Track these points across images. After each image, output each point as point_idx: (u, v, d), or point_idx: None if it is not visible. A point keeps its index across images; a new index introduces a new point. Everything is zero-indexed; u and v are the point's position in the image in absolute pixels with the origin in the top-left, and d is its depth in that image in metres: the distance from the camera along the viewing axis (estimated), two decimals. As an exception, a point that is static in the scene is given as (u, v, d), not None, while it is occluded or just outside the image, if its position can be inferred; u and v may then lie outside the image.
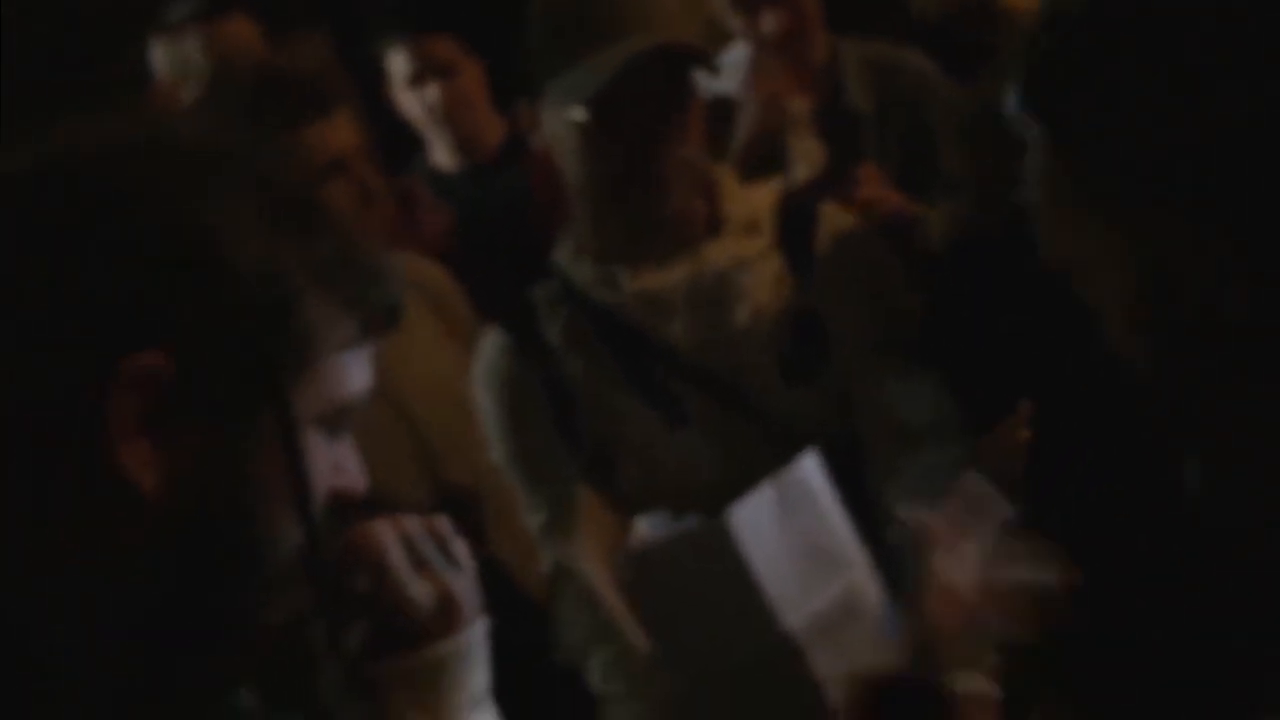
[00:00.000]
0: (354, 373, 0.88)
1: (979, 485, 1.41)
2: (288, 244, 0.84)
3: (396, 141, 2.69)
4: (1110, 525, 1.70)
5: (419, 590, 0.93)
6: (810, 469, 1.52)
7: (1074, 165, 0.95)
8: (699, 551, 1.47)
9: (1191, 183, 0.90)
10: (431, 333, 2.14)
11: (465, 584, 0.96)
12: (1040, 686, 1.59)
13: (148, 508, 0.80)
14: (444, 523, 0.98)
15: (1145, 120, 0.91)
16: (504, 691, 1.05)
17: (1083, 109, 0.94)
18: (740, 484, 1.53)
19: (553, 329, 1.72)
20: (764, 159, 2.25)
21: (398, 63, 2.64)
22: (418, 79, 2.62)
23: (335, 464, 0.89)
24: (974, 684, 1.55)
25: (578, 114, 1.61)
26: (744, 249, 1.69)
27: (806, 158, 2.29)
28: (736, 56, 2.42)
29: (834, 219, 1.75)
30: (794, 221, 1.73)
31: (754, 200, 1.74)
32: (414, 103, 2.65)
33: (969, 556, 1.31)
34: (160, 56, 2.46)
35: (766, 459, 1.56)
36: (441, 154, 2.69)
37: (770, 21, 2.34)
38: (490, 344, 1.77)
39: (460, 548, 0.98)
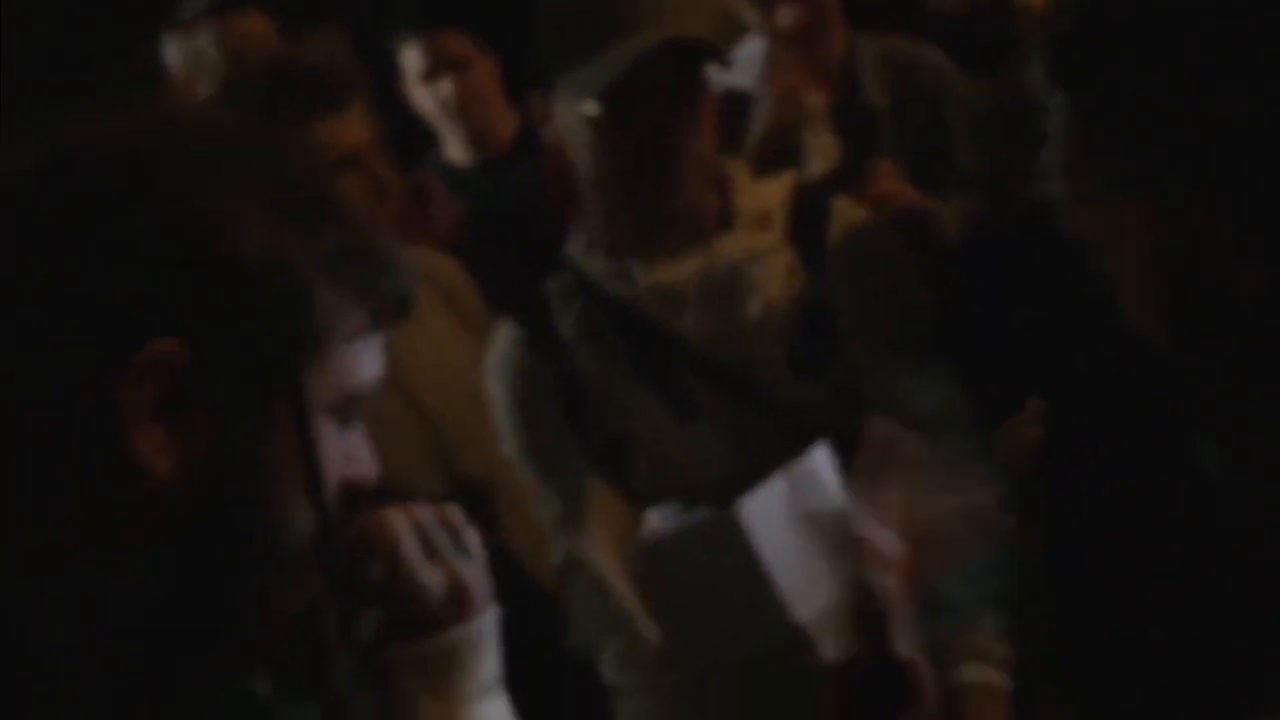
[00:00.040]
0: (365, 362, 0.89)
1: (885, 428, 1.40)
2: (296, 234, 0.85)
3: (411, 136, 2.70)
4: (1120, 521, 1.70)
5: (431, 578, 0.94)
6: (820, 461, 1.52)
7: (1094, 140, 0.95)
8: (709, 543, 1.47)
9: (1209, 162, 0.90)
10: (445, 325, 2.15)
11: (477, 572, 0.97)
12: (1045, 683, 1.60)
13: (162, 495, 0.81)
14: (455, 512, 0.98)
15: (1165, 97, 0.91)
16: (517, 682, 1.05)
17: (1104, 83, 0.94)
18: (751, 477, 1.54)
19: (565, 322, 1.73)
20: (780, 153, 2.25)
21: (411, 58, 2.65)
22: (431, 74, 2.63)
23: (347, 453, 0.89)
24: (983, 675, 1.55)
25: (589, 108, 1.61)
26: (755, 242, 1.69)
27: (822, 153, 2.29)
28: (753, 50, 2.42)
29: (846, 213, 1.75)
30: (806, 215, 1.73)
31: (766, 194, 1.74)
32: (427, 97, 2.66)
33: (890, 506, 1.30)
34: (174, 52, 2.47)
35: (777, 452, 1.56)
36: (454, 148, 2.70)
37: (787, 15, 2.34)
38: (502, 336, 1.77)
39: (472, 537, 0.98)
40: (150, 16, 2.46)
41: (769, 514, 1.46)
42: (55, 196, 0.82)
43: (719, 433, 1.67)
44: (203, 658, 0.86)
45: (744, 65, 2.39)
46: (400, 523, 0.95)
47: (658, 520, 1.55)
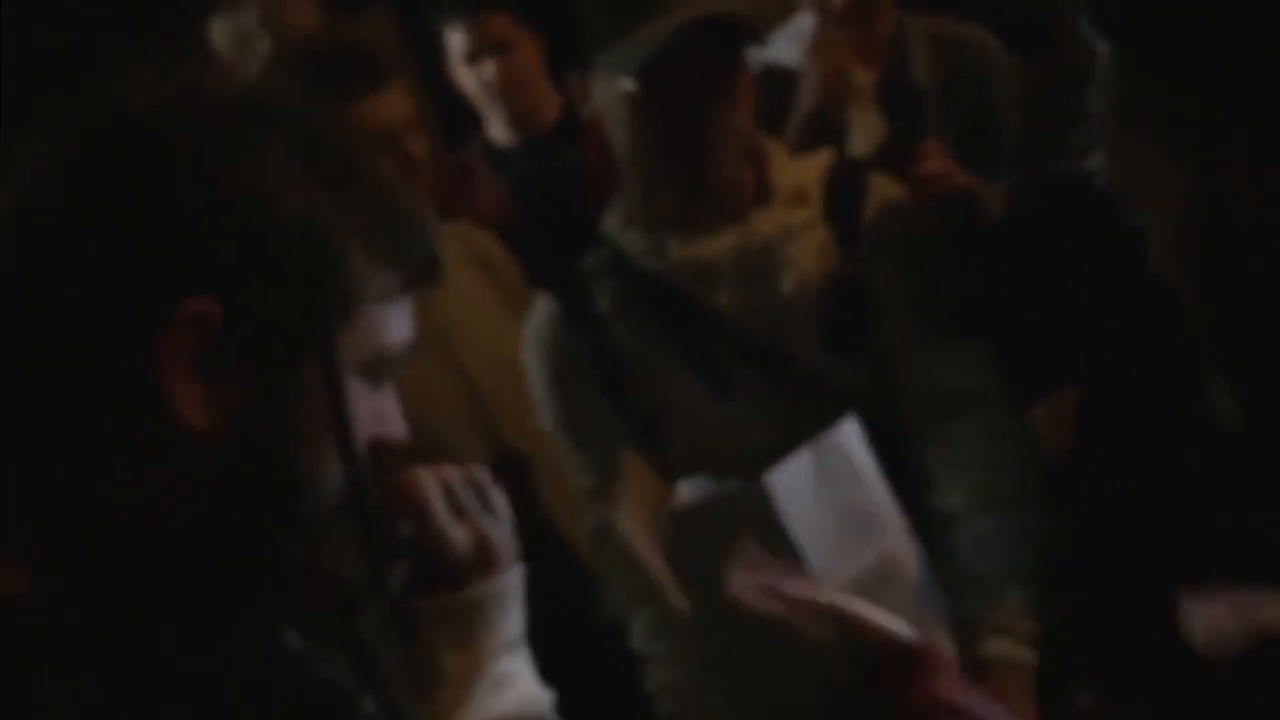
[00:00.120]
0: (395, 323, 0.91)
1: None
2: (330, 197, 0.87)
3: (460, 116, 2.73)
4: (1152, 499, 1.69)
5: (457, 535, 0.96)
6: (849, 435, 1.53)
7: (1140, 83, 0.95)
8: (737, 514, 1.48)
9: (1251, 112, 0.91)
10: (488, 300, 2.17)
11: (502, 531, 0.99)
12: (1073, 660, 1.60)
13: (198, 448, 0.83)
14: (483, 472, 1.01)
15: (1209, 46, 0.91)
16: (551, 651, 1.07)
17: (1152, 26, 0.94)
18: (784, 451, 1.55)
19: (602, 297, 1.75)
20: (825, 131, 2.24)
21: (456, 39, 2.67)
22: (475, 55, 2.66)
23: (377, 412, 0.91)
24: (1007, 650, 1.56)
25: (626, 85, 1.63)
26: (791, 218, 1.71)
27: (867, 131, 2.28)
28: (802, 27, 2.42)
29: (882, 190, 1.76)
30: (843, 192, 1.74)
31: (802, 171, 1.75)
32: (471, 79, 2.68)
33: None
34: (220, 32, 2.50)
35: (810, 426, 1.57)
36: (498, 129, 2.72)
37: None
38: (540, 311, 1.80)
39: (498, 497, 1.01)
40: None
41: (797, 485, 1.48)
42: (100, 159, 0.85)
43: (752, 407, 1.68)
44: (236, 609, 0.88)
45: (793, 42, 2.39)
46: (429, 481, 0.97)
47: (688, 492, 1.57)
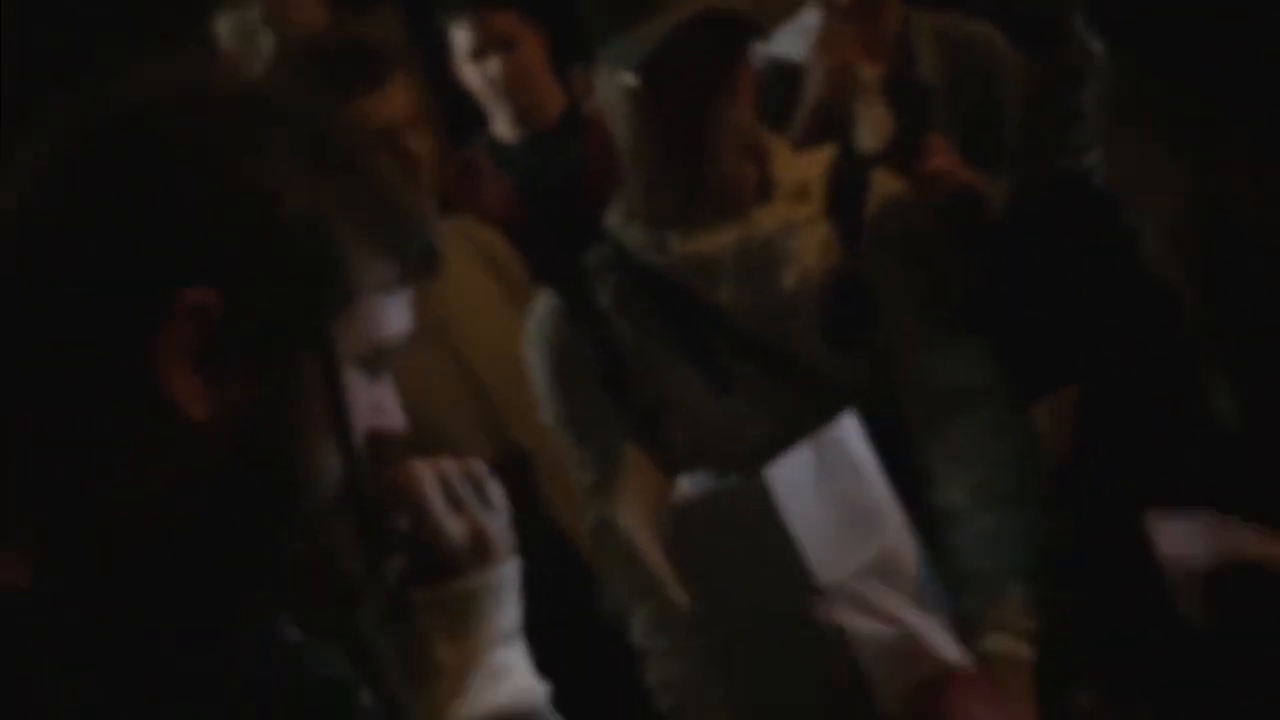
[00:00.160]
0: (393, 315, 0.91)
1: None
2: (329, 189, 0.87)
3: (466, 113, 2.73)
4: (1154, 502, 1.69)
5: (454, 527, 0.97)
6: (849, 430, 1.54)
7: (1140, 83, 0.95)
8: (736, 508, 1.49)
9: (1251, 111, 0.90)
10: (492, 295, 2.18)
11: (499, 523, 1.00)
12: (1074, 659, 1.59)
13: (196, 439, 0.83)
14: (480, 465, 1.01)
15: (1208, 45, 0.91)
16: (552, 646, 1.08)
17: (1151, 25, 0.94)
18: (785, 446, 1.55)
19: (603, 292, 1.75)
20: (830, 126, 2.24)
21: (461, 36, 2.68)
22: (480, 52, 2.66)
23: (375, 404, 0.92)
24: (1007, 646, 1.56)
25: (628, 80, 1.63)
26: (793, 214, 1.71)
27: (874, 126, 2.28)
28: (808, 22, 2.42)
29: (884, 186, 1.76)
30: (845, 188, 1.74)
31: (804, 166, 1.75)
32: (476, 75, 2.69)
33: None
34: (224, 28, 2.51)
35: (811, 422, 1.57)
36: (502, 125, 2.73)
37: None
38: (541, 307, 1.80)
39: (495, 489, 1.01)
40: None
41: (796, 480, 1.48)
42: (101, 153, 0.85)
43: (753, 403, 1.68)
44: (236, 603, 0.89)
45: (799, 37, 2.39)
46: (426, 474, 0.97)
47: (688, 487, 1.57)
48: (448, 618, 0.96)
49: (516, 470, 2.07)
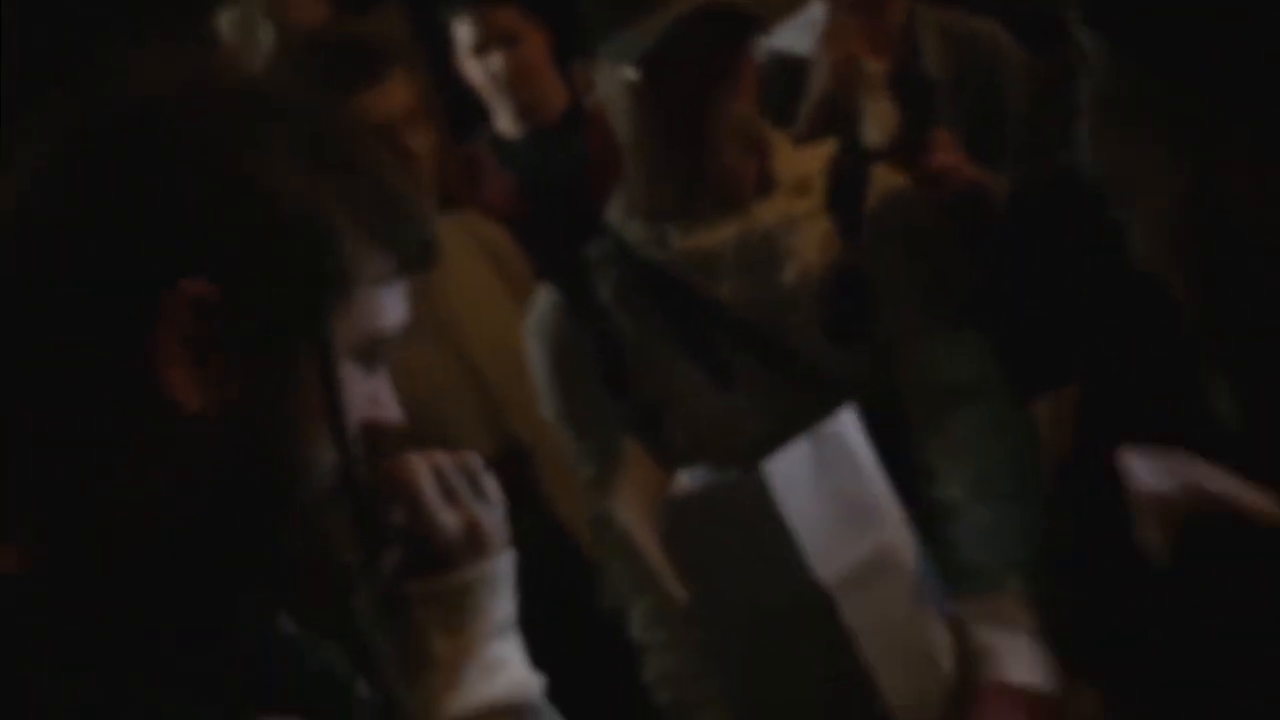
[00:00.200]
0: (389, 307, 0.91)
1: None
2: (325, 181, 0.87)
3: (470, 108, 2.73)
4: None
5: (448, 519, 0.97)
6: (847, 424, 1.53)
7: (1140, 83, 0.95)
8: (734, 503, 1.49)
9: (1249, 108, 0.90)
10: (495, 290, 2.18)
11: (494, 516, 1.00)
12: (1073, 657, 1.59)
13: (191, 430, 0.83)
14: (475, 458, 1.01)
15: (1212, 40, 0.91)
16: (552, 641, 1.07)
17: (1151, 25, 0.94)
18: (785, 441, 1.55)
19: (604, 287, 1.75)
20: (835, 120, 2.23)
21: (463, 32, 2.68)
22: (482, 48, 2.67)
23: (371, 396, 0.92)
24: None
25: (628, 74, 1.63)
26: (793, 209, 1.71)
27: (879, 120, 2.27)
28: (814, 16, 2.41)
29: (885, 180, 1.76)
30: (845, 182, 1.74)
31: (805, 161, 1.75)
32: (478, 71, 2.69)
33: None
34: (226, 23, 2.51)
35: (811, 417, 1.57)
36: (505, 121, 2.73)
37: None
38: (542, 301, 1.80)
39: (490, 482, 1.01)
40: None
41: (794, 475, 1.48)
42: (101, 146, 0.85)
43: (753, 397, 1.68)
44: (234, 597, 0.89)
45: (805, 31, 2.38)
46: (421, 466, 0.97)
47: (687, 482, 1.57)
48: (442, 610, 0.96)
49: (517, 465, 2.07)
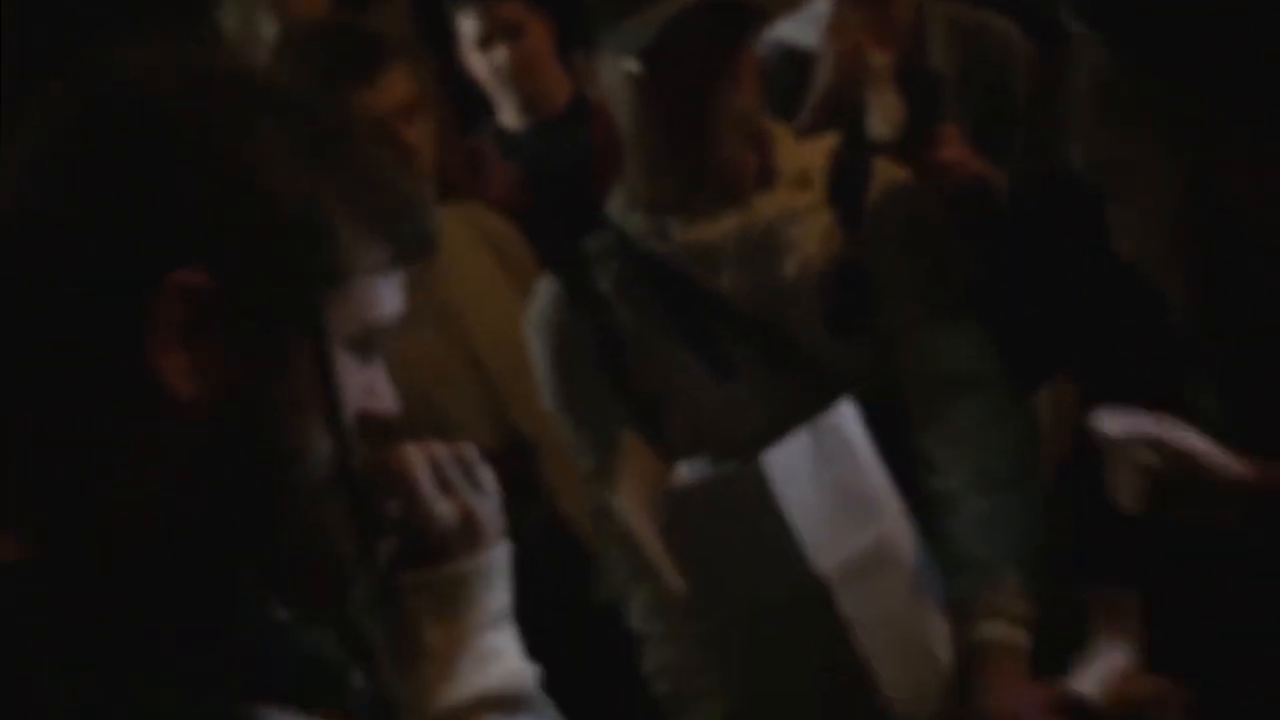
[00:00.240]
0: (385, 298, 0.91)
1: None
2: (322, 170, 0.87)
3: (477, 101, 2.73)
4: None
5: (444, 509, 0.97)
6: (846, 417, 1.53)
7: (1136, 78, 0.94)
8: (733, 495, 1.49)
9: (1255, 105, 0.90)
10: (499, 282, 2.18)
11: (489, 507, 1.00)
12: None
13: (185, 418, 0.83)
14: (471, 449, 1.01)
15: (1213, 39, 0.91)
16: (552, 632, 1.07)
17: (1151, 24, 0.93)
18: (785, 433, 1.55)
19: (604, 279, 1.75)
20: (841, 112, 2.23)
21: (467, 25, 2.67)
22: (486, 40, 2.66)
23: (367, 386, 0.92)
24: (1003, 632, 1.55)
25: (630, 65, 1.63)
26: (794, 202, 1.70)
27: (886, 112, 2.26)
28: (820, 9, 2.40)
29: (886, 173, 1.76)
30: (847, 175, 1.73)
31: (807, 153, 1.75)
32: (482, 64, 2.68)
33: None
34: (229, 17, 2.51)
35: (811, 409, 1.58)
36: (509, 113, 2.72)
37: None
38: (542, 293, 1.80)
39: (486, 474, 1.01)
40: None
41: (793, 467, 1.48)
42: (93, 129, 0.85)
43: (754, 389, 1.68)
44: (224, 581, 0.89)
45: (811, 23, 2.38)
46: (416, 457, 0.97)
47: (687, 474, 1.57)
48: (437, 601, 0.96)
49: (520, 457, 2.07)
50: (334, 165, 0.88)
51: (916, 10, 2.38)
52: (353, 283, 0.88)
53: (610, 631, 1.78)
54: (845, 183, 1.73)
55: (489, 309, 2.12)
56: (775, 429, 1.57)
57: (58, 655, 0.79)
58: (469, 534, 0.97)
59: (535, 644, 1.04)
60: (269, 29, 2.42)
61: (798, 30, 2.36)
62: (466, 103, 2.74)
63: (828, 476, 1.49)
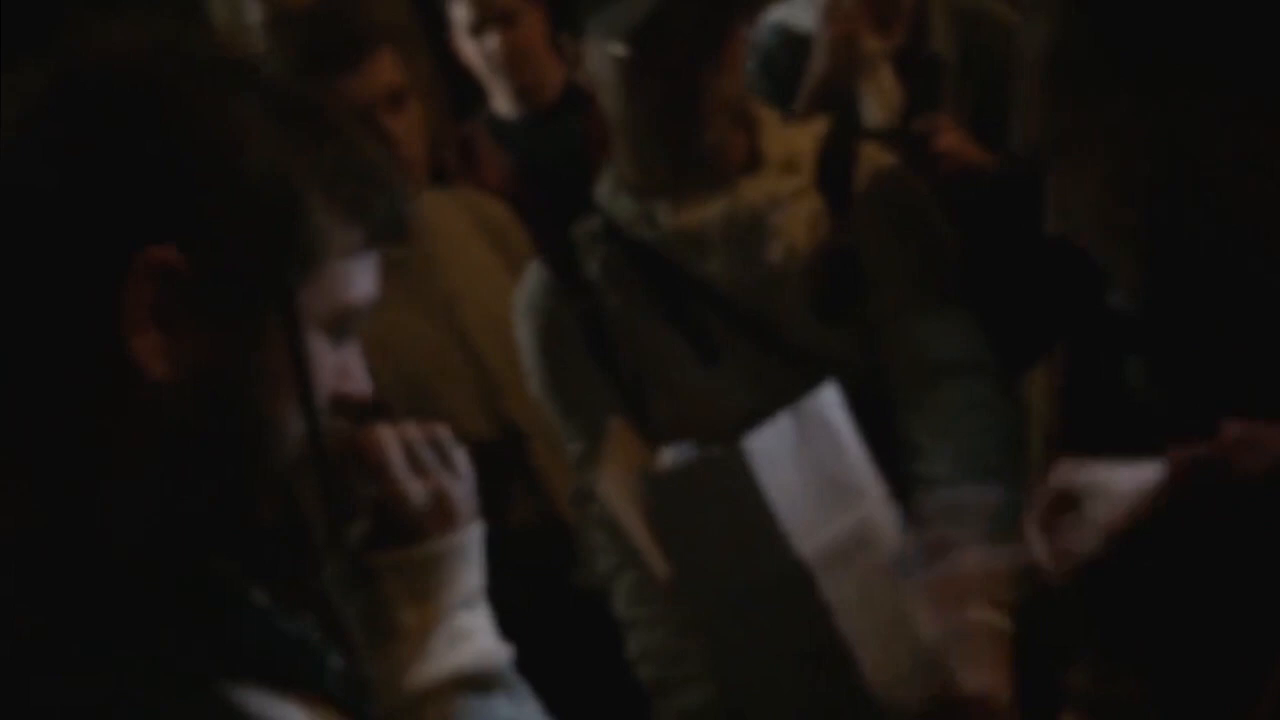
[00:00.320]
0: (359, 279, 0.91)
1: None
2: (296, 150, 0.87)
3: (473, 88, 2.72)
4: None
5: (416, 490, 0.97)
6: (829, 401, 1.53)
7: (1104, 40, 0.93)
8: (715, 478, 1.49)
9: (1226, 62, 0.89)
10: (494, 268, 2.17)
11: (462, 489, 1.00)
12: (1071, 640, 1.59)
13: (157, 398, 0.83)
14: (444, 430, 1.01)
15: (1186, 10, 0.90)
16: (542, 619, 1.07)
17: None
18: (770, 419, 1.55)
19: (592, 264, 1.75)
20: (836, 99, 2.22)
21: (460, 11, 2.66)
22: (478, 27, 2.65)
23: (340, 368, 0.92)
24: (983, 615, 1.55)
25: (616, 49, 1.62)
26: (780, 187, 1.70)
27: (882, 100, 2.25)
28: None
29: (873, 158, 1.75)
30: (834, 161, 1.73)
31: (795, 139, 1.75)
32: (475, 51, 2.67)
33: None
34: (219, 7, 2.50)
35: (797, 394, 1.58)
36: (501, 101, 2.72)
37: None
38: (530, 279, 1.80)
39: (460, 455, 1.01)
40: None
41: (775, 451, 1.48)
42: (67, 105, 0.85)
43: (740, 375, 1.68)
44: (201, 564, 0.89)
45: (811, 7, 2.36)
46: (389, 438, 0.97)
47: (671, 458, 1.57)
48: (409, 581, 0.96)
49: (514, 445, 2.07)
50: (309, 146, 0.88)
51: None
52: (326, 264, 0.88)
53: (595, 617, 1.78)
54: (833, 168, 1.72)
55: (484, 296, 2.12)
56: (760, 414, 1.57)
57: (58, 654, 0.79)
58: (441, 514, 0.97)
59: (523, 629, 1.04)
60: (255, 13, 2.41)
61: (797, 13, 2.35)
62: (461, 89, 2.73)
63: (809, 461, 1.49)
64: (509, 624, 1.01)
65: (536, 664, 1.04)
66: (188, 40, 0.92)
